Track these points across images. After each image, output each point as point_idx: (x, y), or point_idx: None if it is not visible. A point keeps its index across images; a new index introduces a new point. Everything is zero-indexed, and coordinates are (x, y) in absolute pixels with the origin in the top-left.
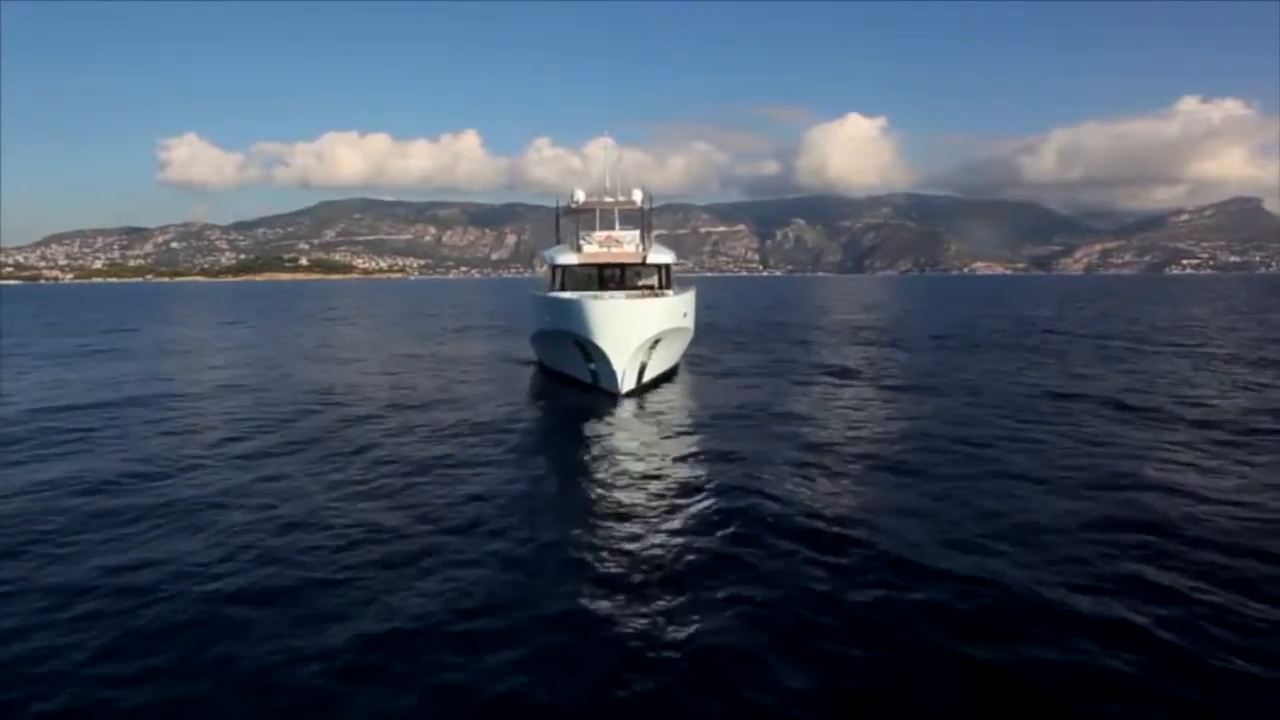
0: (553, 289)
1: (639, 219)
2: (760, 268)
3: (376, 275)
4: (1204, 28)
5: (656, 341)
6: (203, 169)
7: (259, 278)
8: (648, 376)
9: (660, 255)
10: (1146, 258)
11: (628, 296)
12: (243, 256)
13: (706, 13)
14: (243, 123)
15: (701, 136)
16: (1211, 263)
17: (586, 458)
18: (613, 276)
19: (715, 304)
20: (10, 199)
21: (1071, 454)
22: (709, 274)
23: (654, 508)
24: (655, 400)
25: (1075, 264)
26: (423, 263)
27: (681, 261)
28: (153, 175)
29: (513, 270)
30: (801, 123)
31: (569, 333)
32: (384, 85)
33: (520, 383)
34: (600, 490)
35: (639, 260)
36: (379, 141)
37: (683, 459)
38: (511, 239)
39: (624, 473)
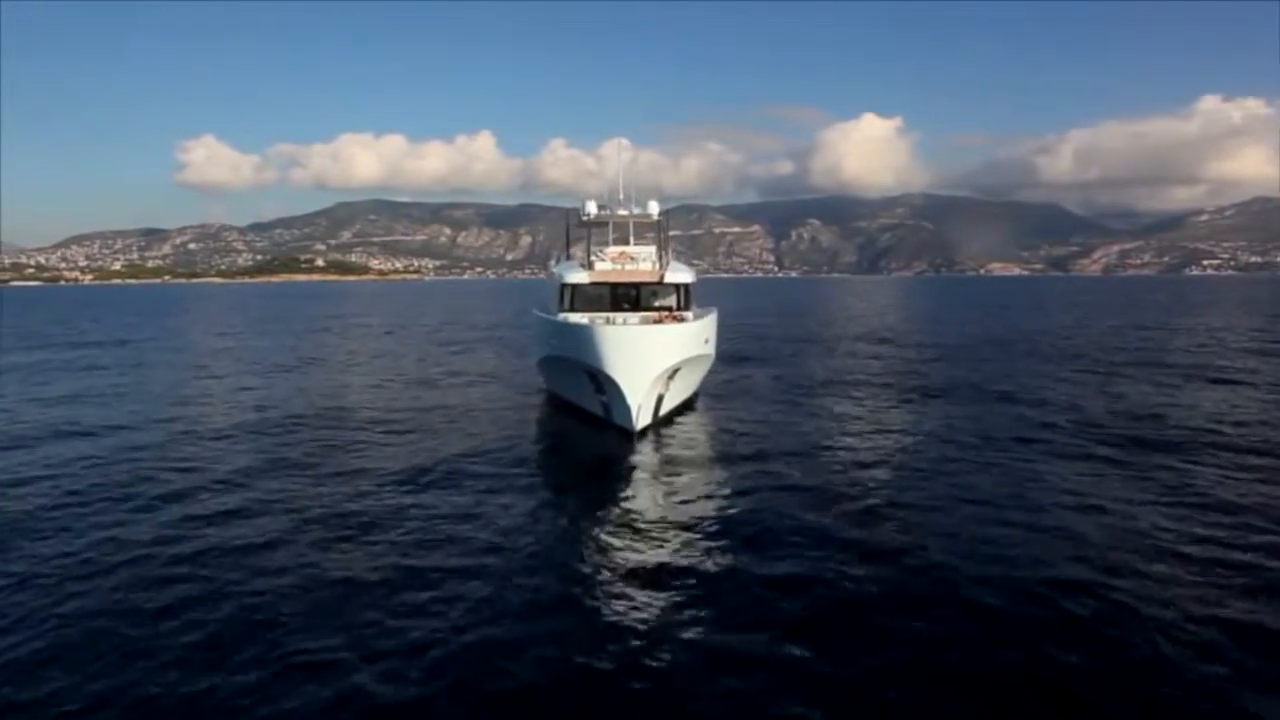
0: (561, 309)
1: (656, 231)
2: (775, 269)
3: (392, 276)
4: (1226, 26)
5: (675, 371)
6: (220, 170)
7: (275, 279)
8: (665, 409)
9: (679, 274)
10: (1165, 258)
11: (643, 320)
12: (259, 257)
13: (721, 14)
14: (260, 124)
15: (716, 137)
16: (1232, 263)
17: (598, 513)
18: (627, 296)
19: (730, 313)
20: (32, 200)
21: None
22: (724, 275)
23: (674, 578)
24: (674, 437)
25: (1093, 265)
26: (438, 264)
27: (696, 264)
28: (171, 177)
29: (527, 271)
30: (816, 123)
31: (578, 361)
32: (399, 86)
33: (523, 415)
34: (610, 553)
35: (656, 279)
36: (394, 142)
37: (705, 518)
38: (526, 240)
39: (640, 533)
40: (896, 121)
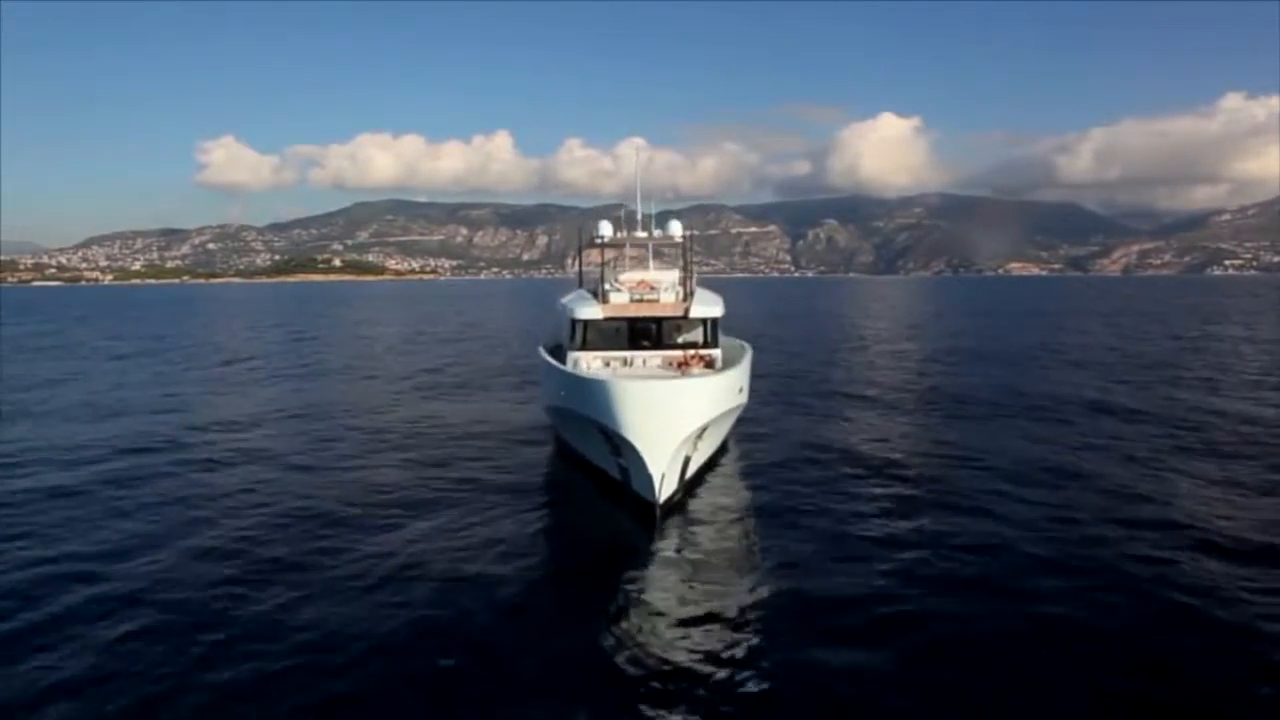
0: (571, 345)
1: (679, 254)
2: (792, 268)
3: (409, 276)
4: (1251, 25)
5: (704, 428)
6: (239, 171)
7: (292, 279)
8: (692, 470)
9: (707, 306)
10: (1186, 258)
11: (665, 361)
12: (277, 258)
13: (738, 13)
14: (279, 126)
15: (733, 137)
16: (1255, 264)
17: (611, 608)
18: (646, 333)
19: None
20: (53, 201)
21: None
22: (740, 275)
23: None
24: (701, 504)
25: (1113, 265)
26: (454, 263)
27: (712, 264)
28: (191, 177)
29: (543, 271)
30: (834, 123)
31: (591, 420)
32: (417, 87)
33: (526, 477)
34: (627, 665)
35: (680, 313)
36: (412, 143)
37: (738, 614)
38: (542, 240)
39: (663, 640)
40: (915, 121)
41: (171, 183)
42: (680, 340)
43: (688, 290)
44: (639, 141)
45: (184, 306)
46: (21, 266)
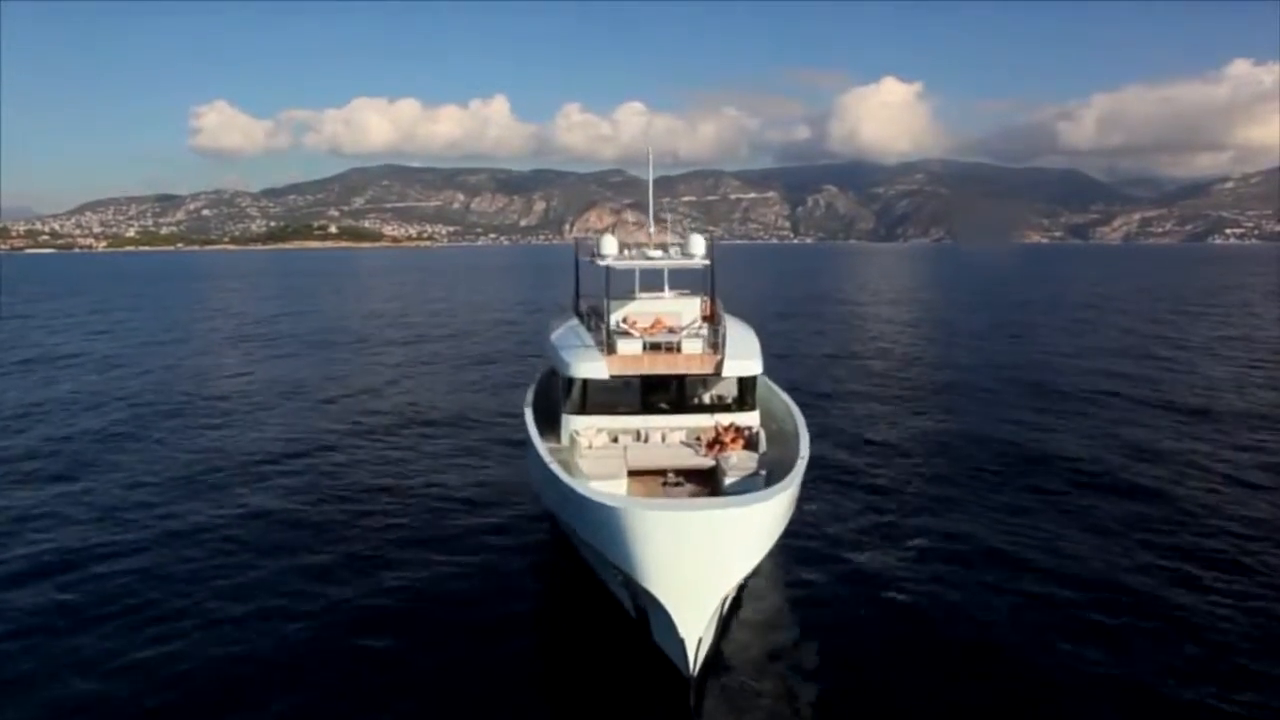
0: (568, 407)
1: (703, 279)
2: (791, 235)
3: (405, 243)
4: None
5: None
6: (233, 136)
7: (288, 246)
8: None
9: (743, 361)
10: (1188, 226)
11: (690, 433)
12: (273, 224)
13: None
14: (272, 89)
15: (732, 102)
16: (1256, 232)
17: None
18: (665, 394)
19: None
20: (45, 167)
21: None
22: (739, 241)
23: None
24: (745, 635)
25: (1113, 233)
26: (451, 229)
27: (711, 230)
28: (184, 142)
29: (541, 237)
30: (835, 88)
31: (602, 554)
32: (412, 50)
33: (508, 589)
34: None
35: (709, 370)
36: (408, 107)
37: None
38: (540, 205)
39: None
40: (916, 87)
41: (165, 148)
42: (708, 398)
43: (716, 332)
44: (638, 106)
45: (171, 285)
46: (14, 233)
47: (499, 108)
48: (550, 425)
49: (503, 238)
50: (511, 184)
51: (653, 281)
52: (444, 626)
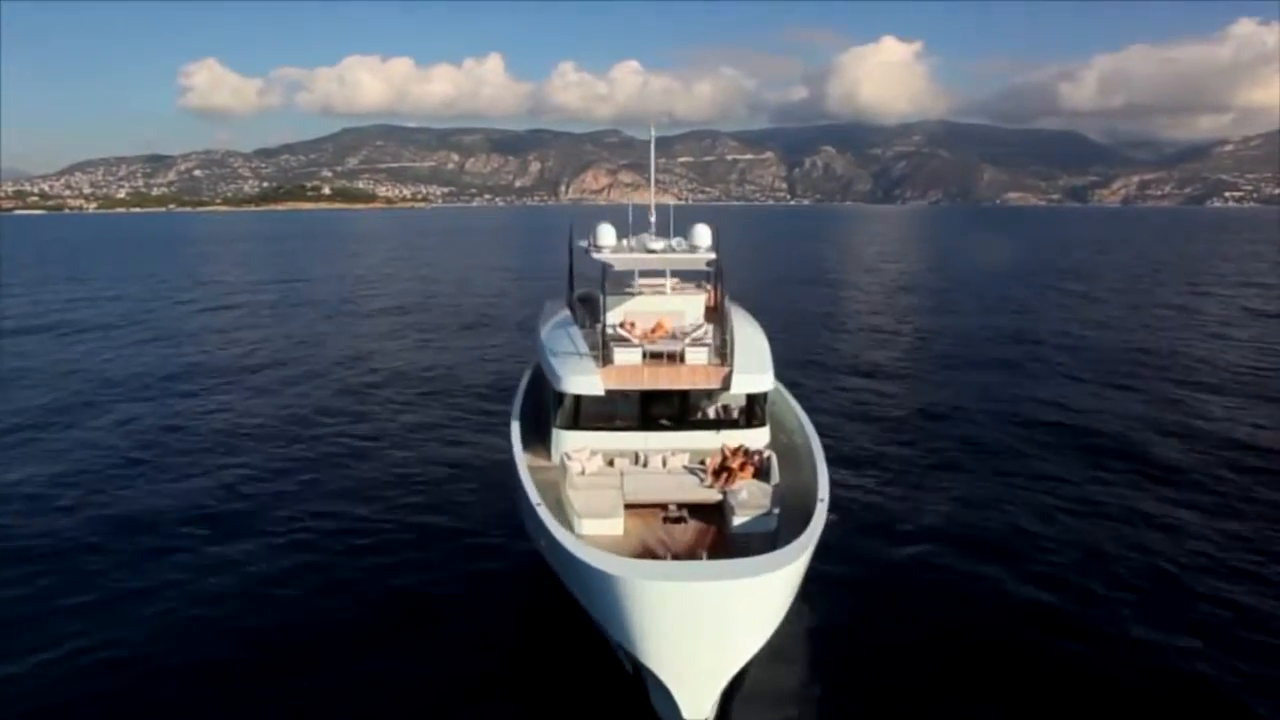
0: (558, 422)
1: (709, 276)
2: (788, 197)
3: (400, 204)
4: None
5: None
6: (223, 95)
7: (281, 207)
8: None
9: (754, 375)
10: (1187, 189)
11: (694, 456)
12: (266, 184)
13: None
14: (262, 47)
15: (730, 61)
16: (1255, 195)
17: None
18: (667, 409)
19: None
20: (33, 126)
21: None
22: (735, 203)
23: None
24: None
25: (1112, 195)
26: (446, 190)
27: (708, 191)
28: (174, 101)
29: (536, 198)
30: (833, 47)
31: (598, 624)
32: (405, 7)
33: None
34: None
35: (716, 384)
36: (401, 66)
37: None
38: (535, 166)
39: None
40: (916, 46)
41: (154, 107)
42: (713, 412)
43: (723, 335)
44: (634, 65)
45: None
46: (2, 194)
47: (493, 66)
48: (539, 434)
49: (498, 199)
50: (506, 144)
51: (653, 266)
52: (419, 646)
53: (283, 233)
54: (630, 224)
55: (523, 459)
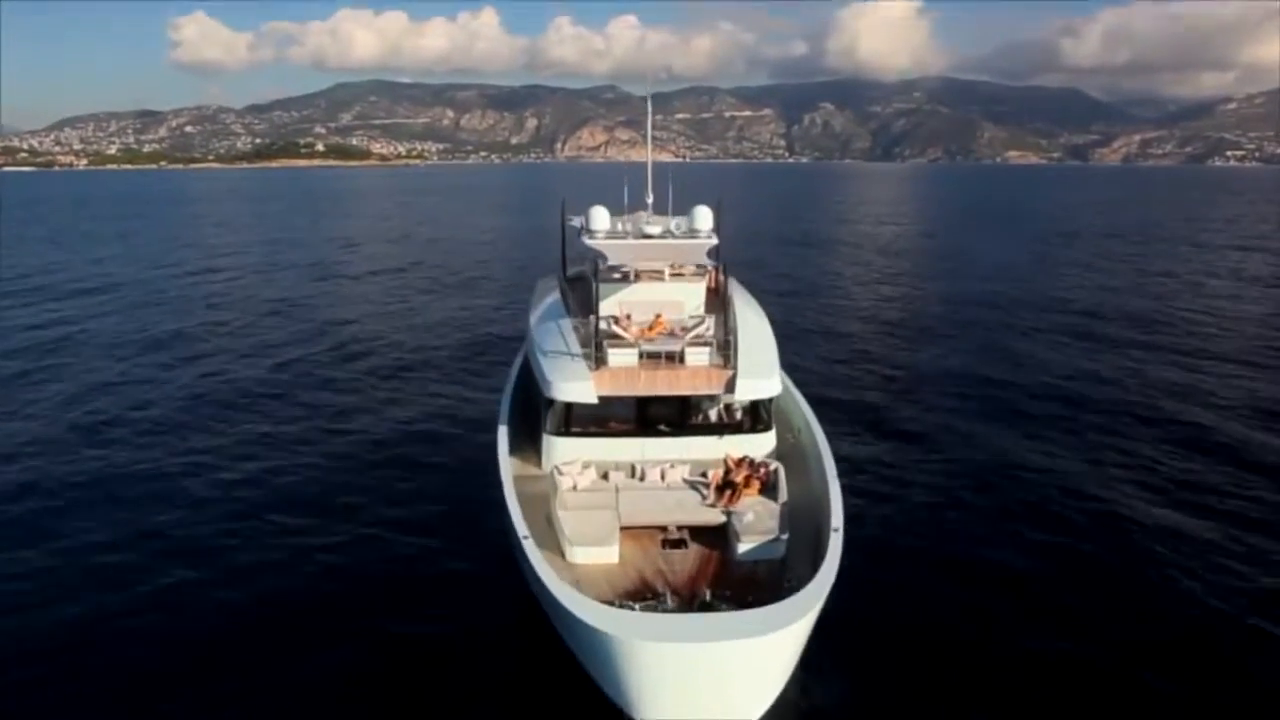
0: (547, 426)
1: (710, 263)
2: (786, 154)
3: (395, 162)
4: None
5: None
6: (214, 49)
7: (274, 164)
8: None
9: (759, 382)
10: (1188, 148)
11: (695, 467)
12: (258, 141)
13: None
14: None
15: (728, 15)
16: (1257, 154)
17: None
18: (665, 413)
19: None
20: (21, 80)
21: None
22: (733, 161)
23: None
24: None
25: (1113, 154)
26: (441, 147)
27: (705, 149)
28: (164, 56)
29: (533, 155)
30: (834, 1)
31: (592, 679)
32: None
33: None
34: None
35: (719, 387)
36: (394, 19)
37: None
38: (531, 123)
39: None
40: (917, 1)
41: (144, 61)
42: (715, 414)
43: (726, 331)
44: (631, 20)
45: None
46: None
47: (488, 20)
48: (529, 434)
49: (494, 156)
50: (502, 100)
51: (650, 257)
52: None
53: (281, 192)
54: (625, 200)
55: (510, 473)
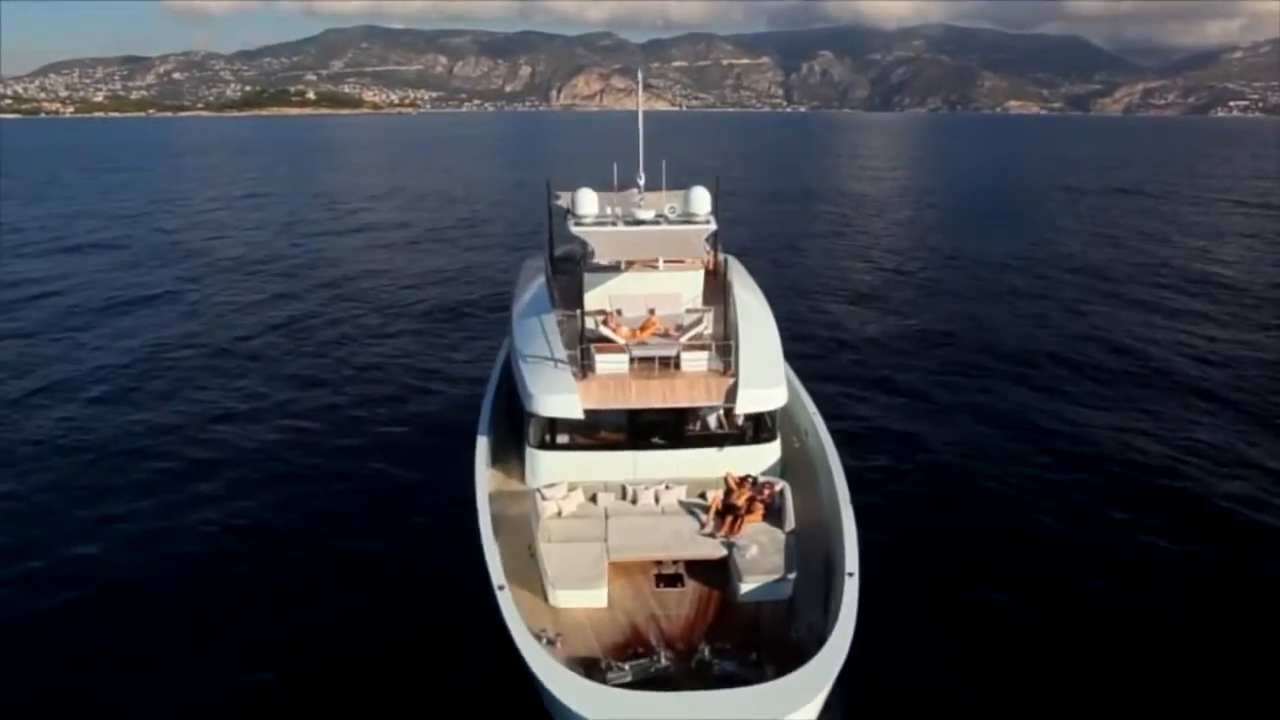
0: (530, 439)
1: (708, 245)
2: (784, 103)
3: (387, 110)
4: None
5: None
6: None
7: (265, 112)
8: None
9: (763, 392)
10: (1191, 99)
11: (692, 488)
12: (248, 88)
13: None
14: None
15: None
16: (1260, 104)
17: None
18: (659, 426)
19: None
20: (5, 23)
21: None
22: (730, 110)
23: None
24: None
25: (1114, 104)
26: (434, 95)
27: (702, 97)
28: (152, 0)
29: (527, 103)
30: None
31: None
32: None
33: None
34: None
35: (719, 397)
36: None
37: None
38: (526, 70)
39: None
40: None
41: (132, 5)
42: (714, 422)
43: (725, 333)
44: None
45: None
46: None
47: None
48: (512, 442)
49: (487, 104)
50: (495, 47)
51: (643, 248)
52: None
53: (279, 140)
54: (615, 181)
55: (487, 498)
